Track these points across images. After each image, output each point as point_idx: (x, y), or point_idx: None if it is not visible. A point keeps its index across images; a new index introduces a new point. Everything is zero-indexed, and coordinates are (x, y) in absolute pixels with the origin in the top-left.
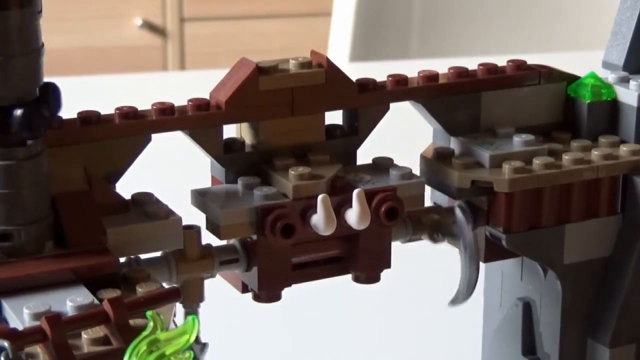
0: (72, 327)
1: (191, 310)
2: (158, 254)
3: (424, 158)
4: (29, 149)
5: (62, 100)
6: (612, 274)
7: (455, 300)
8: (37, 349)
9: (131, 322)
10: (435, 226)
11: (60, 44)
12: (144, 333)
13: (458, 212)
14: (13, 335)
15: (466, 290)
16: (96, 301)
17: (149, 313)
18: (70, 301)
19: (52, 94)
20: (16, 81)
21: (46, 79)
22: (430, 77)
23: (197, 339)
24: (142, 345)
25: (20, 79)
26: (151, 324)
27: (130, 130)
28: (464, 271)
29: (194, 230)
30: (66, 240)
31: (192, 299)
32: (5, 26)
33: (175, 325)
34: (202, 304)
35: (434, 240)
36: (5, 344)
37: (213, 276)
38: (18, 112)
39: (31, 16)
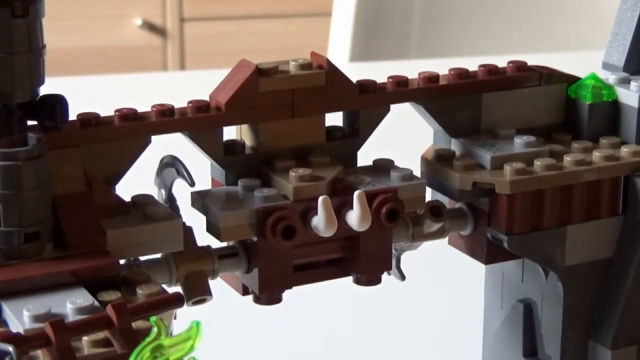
0: (76, 332)
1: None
2: (158, 255)
3: (424, 160)
4: (31, 150)
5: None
6: (614, 275)
7: None
8: (40, 354)
9: (132, 324)
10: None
11: (60, 44)
12: (148, 339)
13: None
14: (17, 340)
15: None
16: (96, 303)
17: (152, 319)
18: (70, 303)
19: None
20: (21, 79)
21: (46, 79)
22: (431, 79)
23: None
24: (146, 351)
25: (24, 78)
26: (155, 329)
27: (130, 132)
28: None
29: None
30: (66, 242)
31: (197, 292)
32: (10, 24)
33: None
34: (201, 307)
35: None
36: (10, 348)
37: (215, 273)
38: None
39: (36, 14)
